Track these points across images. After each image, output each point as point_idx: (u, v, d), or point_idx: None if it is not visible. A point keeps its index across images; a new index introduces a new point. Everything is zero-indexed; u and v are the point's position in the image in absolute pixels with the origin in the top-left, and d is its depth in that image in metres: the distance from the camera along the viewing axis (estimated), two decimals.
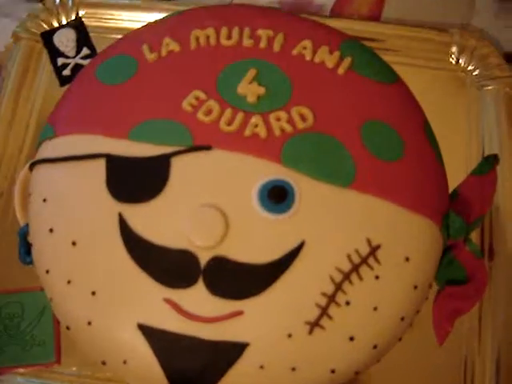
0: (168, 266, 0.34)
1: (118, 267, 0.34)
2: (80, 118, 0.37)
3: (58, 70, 0.46)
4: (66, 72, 0.46)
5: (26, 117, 0.47)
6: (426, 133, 0.38)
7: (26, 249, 0.40)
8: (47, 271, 0.35)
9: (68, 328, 0.35)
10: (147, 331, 0.33)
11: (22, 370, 0.39)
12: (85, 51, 0.46)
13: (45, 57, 0.48)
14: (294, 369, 0.33)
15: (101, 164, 0.36)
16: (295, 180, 0.35)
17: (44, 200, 0.36)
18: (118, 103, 0.37)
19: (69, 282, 0.35)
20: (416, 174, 0.36)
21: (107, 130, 0.36)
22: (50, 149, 0.37)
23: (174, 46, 0.38)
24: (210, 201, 0.34)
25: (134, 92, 0.37)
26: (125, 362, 0.34)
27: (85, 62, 0.45)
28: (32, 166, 0.38)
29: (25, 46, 0.49)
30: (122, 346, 0.34)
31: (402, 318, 0.34)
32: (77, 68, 0.45)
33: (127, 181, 0.35)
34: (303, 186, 0.35)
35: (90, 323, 0.34)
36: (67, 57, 0.46)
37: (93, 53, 0.46)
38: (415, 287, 0.34)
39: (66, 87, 0.41)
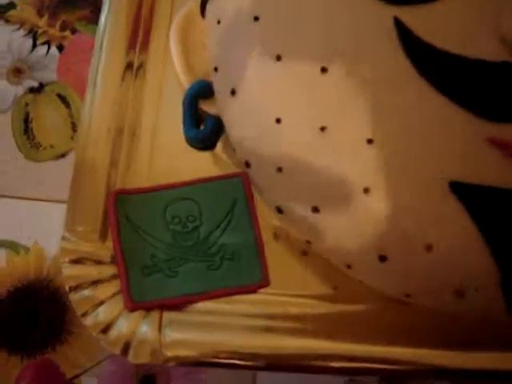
0: (485, 89, 0.22)
1: (403, 96, 0.22)
2: None
3: None
4: None
5: None
6: None
7: (195, 119, 0.28)
8: (278, 120, 0.23)
9: (316, 210, 0.23)
10: (465, 190, 0.22)
11: (210, 299, 0.26)
12: None
13: None
14: None
15: None
16: None
17: (256, 18, 0.24)
18: None
19: (322, 128, 0.23)
20: None
21: None
22: None
23: None
24: None
25: None
26: (429, 247, 0.22)
27: None
28: None
29: None
30: (426, 219, 0.22)
31: None
32: None
33: None
34: None
35: (367, 190, 0.22)
36: None
37: None
38: None
39: None
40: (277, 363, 0.26)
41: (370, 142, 0.22)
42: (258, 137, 0.24)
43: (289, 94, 0.23)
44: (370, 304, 0.27)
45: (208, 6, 0.28)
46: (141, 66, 0.32)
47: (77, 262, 0.27)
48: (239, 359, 0.25)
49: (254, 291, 0.27)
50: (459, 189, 0.22)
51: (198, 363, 0.26)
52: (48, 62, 0.37)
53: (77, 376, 0.32)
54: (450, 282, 0.23)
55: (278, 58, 0.24)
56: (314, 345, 0.26)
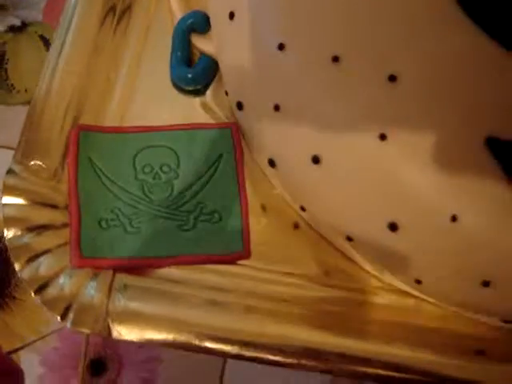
0: None
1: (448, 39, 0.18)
2: None
3: None
4: None
5: None
6: None
7: (185, 56, 0.23)
8: (281, 47, 0.19)
9: (317, 160, 0.19)
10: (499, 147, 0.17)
11: (175, 265, 0.22)
12: None
13: None
14: None
15: None
16: None
17: None
18: None
19: (335, 58, 0.18)
20: None
21: None
22: None
23: None
24: None
25: None
26: (454, 219, 0.18)
27: None
28: None
29: None
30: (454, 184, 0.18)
31: None
32: None
33: None
34: None
35: (382, 136, 0.18)
36: None
37: None
38: None
39: None
40: (251, 352, 0.21)
41: (392, 78, 0.18)
42: (257, 66, 0.20)
43: (294, 17, 0.19)
44: (367, 294, 0.23)
45: None
46: (127, 8, 0.28)
47: (22, 201, 0.22)
48: (203, 342, 0.21)
49: (230, 262, 0.22)
50: (493, 143, 0.18)
51: (151, 342, 0.21)
52: (35, 2, 0.34)
53: (16, 350, 0.27)
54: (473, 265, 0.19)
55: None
56: (297, 334, 0.21)
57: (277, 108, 0.19)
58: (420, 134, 0.18)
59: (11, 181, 0.22)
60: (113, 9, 0.27)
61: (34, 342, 0.27)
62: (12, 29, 0.33)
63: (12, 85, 0.32)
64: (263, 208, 0.23)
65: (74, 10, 0.27)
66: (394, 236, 0.18)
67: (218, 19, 0.22)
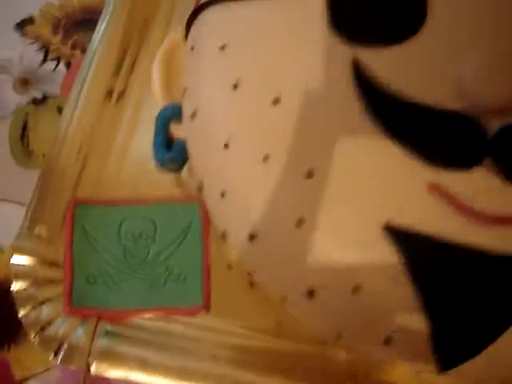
0: (435, 136, 0.23)
1: (351, 134, 0.23)
2: None
3: None
4: None
5: None
6: None
7: (165, 140, 0.29)
8: (226, 145, 0.24)
9: (252, 237, 0.24)
10: (400, 235, 0.22)
11: (148, 315, 0.27)
12: None
13: None
14: None
15: None
16: None
17: (223, 47, 0.25)
18: None
19: (266, 157, 0.23)
20: None
21: None
22: None
23: None
24: (493, 44, 0.24)
25: None
26: (356, 289, 0.22)
27: None
28: (198, 12, 0.27)
29: None
30: (356, 260, 0.22)
31: None
32: None
33: (362, 15, 0.24)
34: None
35: (300, 221, 0.23)
36: None
37: None
38: None
39: None
40: None
41: (309, 175, 0.23)
42: (208, 160, 0.25)
43: (239, 121, 0.24)
44: (314, 345, 0.27)
45: (191, 28, 0.29)
46: (123, 91, 0.33)
47: (28, 259, 0.28)
48: (166, 380, 0.26)
49: (192, 314, 0.27)
50: (394, 233, 0.22)
51: (125, 379, 0.26)
52: (55, 77, 0.39)
53: (26, 379, 0.33)
54: (378, 328, 0.23)
55: (235, 86, 0.24)
56: (251, 379, 0.26)
57: (223, 195, 0.24)
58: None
59: (20, 242, 0.28)
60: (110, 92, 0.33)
61: (42, 372, 0.33)
62: (34, 101, 0.39)
63: (32, 151, 0.37)
64: (228, 267, 0.28)
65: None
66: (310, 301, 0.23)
67: (185, 116, 0.28)
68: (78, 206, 0.28)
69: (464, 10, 0.24)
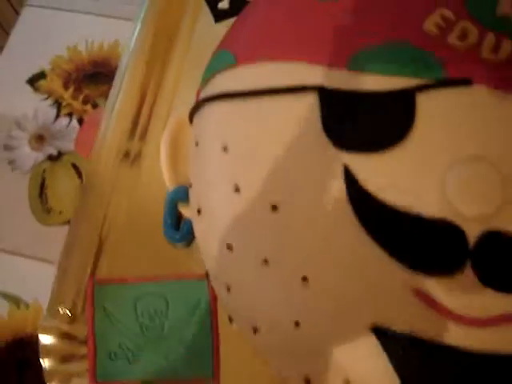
0: (418, 242, 0.25)
1: (341, 240, 0.25)
2: (275, 39, 0.29)
3: (212, 2, 0.37)
4: (223, 4, 0.37)
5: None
6: None
7: (174, 221, 0.31)
8: (229, 247, 0.26)
9: (255, 331, 0.26)
10: (385, 337, 0.24)
11: None
12: None
13: None
14: None
15: (311, 100, 0.27)
16: None
17: (224, 149, 0.27)
18: (330, 20, 0.28)
19: (265, 261, 0.26)
20: None
21: (315, 56, 0.28)
22: (231, 80, 0.29)
23: None
24: (476, 152, 0.25)
25: (352, 6, 0.29)
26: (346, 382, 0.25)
27: None
28: (200, 106, 0.30)
29: None
30: (344, 357, 0.25)
31: None
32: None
33: (352, 123, 0.26)
34: None
35: (297, 323, 0.25)
36: None
37: None
38: None
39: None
40: None
41: (304, 279, 0.25)
42: (214, 258, 0.28)
43: (240, 225, 0.26)
44: None
45: (194, 120, 0.31)
46: (138, 154, 0.36)
47: (54, 338, 0.31)
48: None
49: None
50: (380, 332, 0.24)
51: None
52: (68, 133, 0.42)
53: None
54: None
55: (236, 189, 0.27)
56: None
57: (228, 289, 0.27)
58: None
59: (46, 323, 0.31)
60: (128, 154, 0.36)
61: None
62: (50, 157, 0.41)
63: (51, 207, 0.40)
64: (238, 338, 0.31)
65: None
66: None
67: (192, 208, 0.30)
68: (97, 285, 0.31)
69: (451, 115, 0.26)
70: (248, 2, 0.35)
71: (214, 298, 0.31)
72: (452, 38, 0.27)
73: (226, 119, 0.28)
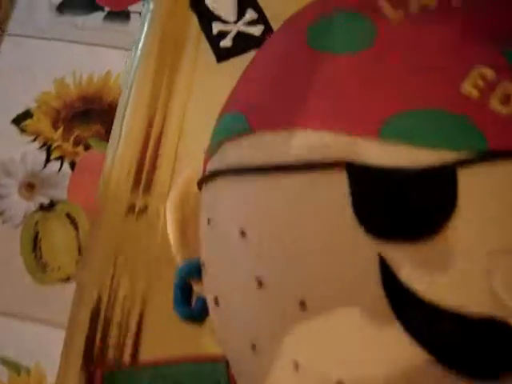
0: (461, 342, 0.22)
1: (380, 341, 0.23)
2: (294, 104, 0.26)
3: (214, 40, 0.34)
4: (226, 43, 0.34)
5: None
6: None
7: (185, 296, 0.28)
8: (253, 348, 0.24)
9: None
10: None
11: None
12: (250, 14, 0.34)
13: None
14: None
15: (339, 178, 0.24)
16: None
17: (242, 233, 0.25)
18: (355, 83, 0.25)
19: (296, 365, 0.23)
20: None
21: (341, 124, 0.25)
22: (246, 152, 0.26)
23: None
24: None
25: (376, 68, 0.26)
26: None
27: (251, 30, 0.33)
28: (211, 179, 0.27)
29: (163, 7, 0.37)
30: None
31: None
32: (240, 37, 0.33)
33: (386, 205, 0.24)
34: None
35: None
36: (225, 22, 0.34)
37: (260, 16, 0.34)
38: None
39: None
40: None
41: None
42: (236, 354, 0.25)
43: (265, 324, 0.24)
44: None
45: (204, 191, 0.28)
46: (145, 207, 0.33)
47: None
48: None
49: None
50: None
51: None
52: (60, 180, 0.38)
53: None
54: None
55: (260, 284, 0.24)
56: None
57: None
58: None
59: None
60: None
61: None
62: (42, 207, 0.38)
63: (46, 263, 0.37)
64: None
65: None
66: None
67: (206, 294, 0.27)
68: (106, 373, 0.29)
69: (497, 195, 0.23)
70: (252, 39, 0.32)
71: (234, 382, 0.28)
72: (494, 102, 0.25)
73: (243, 199, 0.25)
